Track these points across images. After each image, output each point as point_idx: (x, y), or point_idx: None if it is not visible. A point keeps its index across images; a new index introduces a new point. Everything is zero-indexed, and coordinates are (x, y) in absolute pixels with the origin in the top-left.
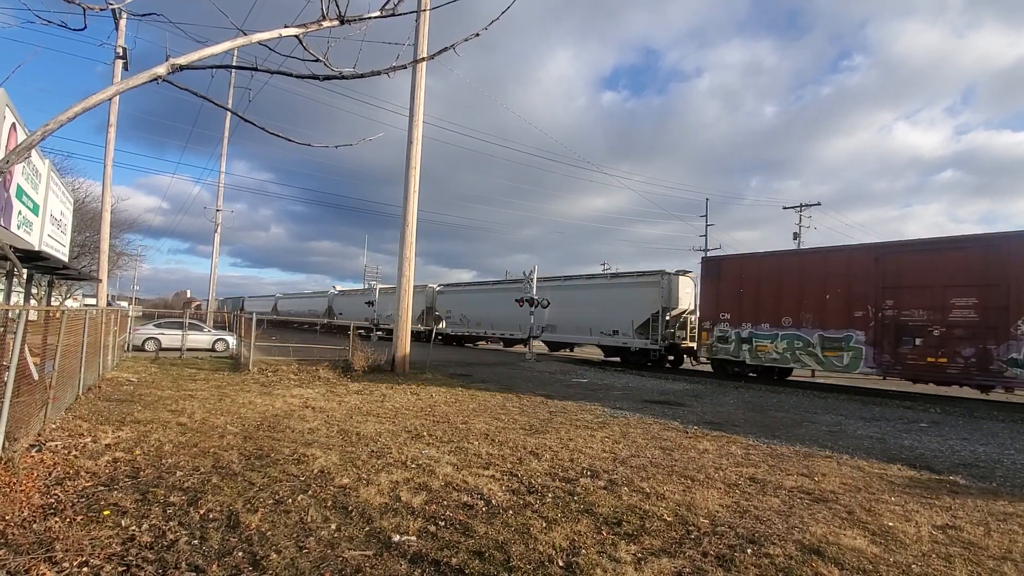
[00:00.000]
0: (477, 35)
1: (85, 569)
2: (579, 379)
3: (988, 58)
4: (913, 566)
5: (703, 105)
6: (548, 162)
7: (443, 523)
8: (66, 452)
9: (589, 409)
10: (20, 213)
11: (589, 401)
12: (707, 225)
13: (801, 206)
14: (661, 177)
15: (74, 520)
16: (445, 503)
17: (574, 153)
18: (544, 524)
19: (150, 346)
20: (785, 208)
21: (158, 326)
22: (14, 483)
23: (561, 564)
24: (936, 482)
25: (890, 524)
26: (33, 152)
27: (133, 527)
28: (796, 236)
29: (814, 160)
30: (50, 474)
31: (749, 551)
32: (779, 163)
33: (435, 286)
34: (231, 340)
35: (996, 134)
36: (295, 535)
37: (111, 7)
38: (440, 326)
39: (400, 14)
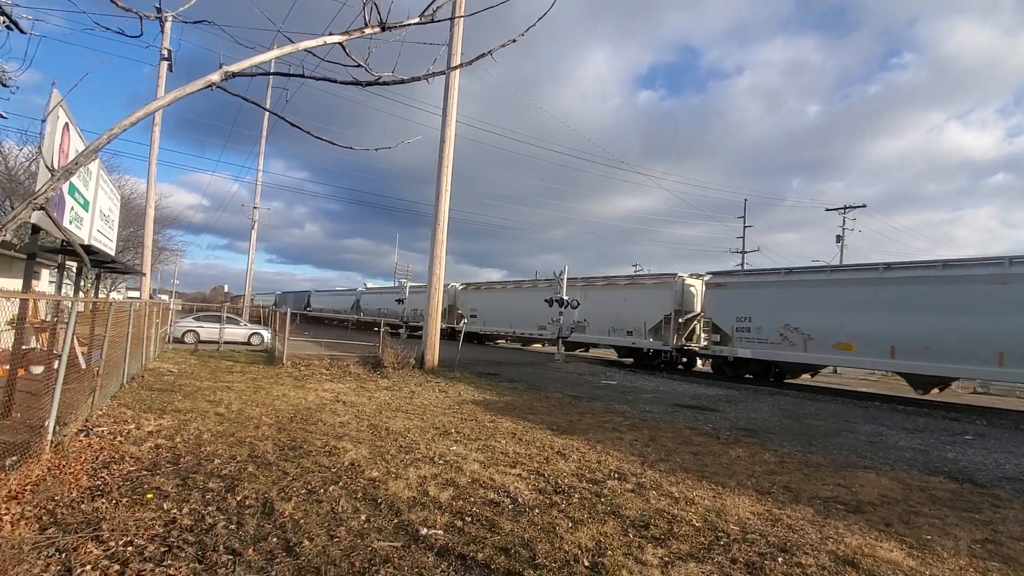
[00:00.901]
0: (514, 41)
1: (130, 548)
2: (608, 381)
3: None
4: None
5: (743, 104)
6: (582, 162)
7: (470, 519)
8: (112, 437)
9: (618, 411)
10: (72, 209)
11: (618, 403)
12: (745, 227)
13: (845, 208)
14: (697, 177)
15: (119, 502)
16: (472, 499)
17: (608, 153)
18: (570, 524)
19: (189, 338)
20: (828, 210)
21: (197, 319)
22: (64, 465)
23: (587, 564)
24: (978, 496)
25: (928, 537)
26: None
27: (174, 510)
28: (839, 239)
29: (860, 161)
30: (97, 458)
31: (780, 560)
32: (822, 164)
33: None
34: (266, 334)
35: None
36: (327, 524)
37: (164, 15)
38: (462, 324)
39: (438, 20)
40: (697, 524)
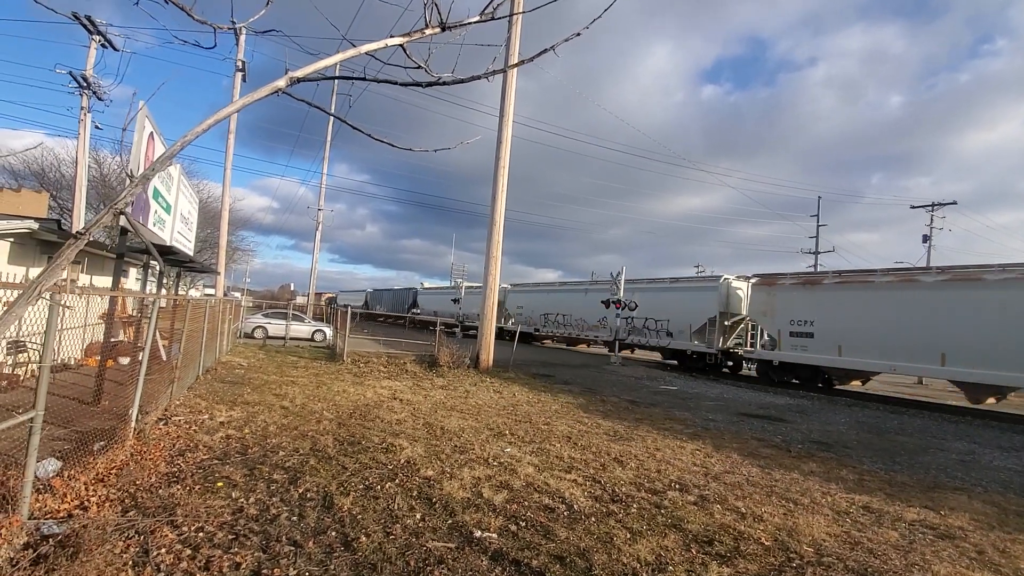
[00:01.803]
0: (578, 34)
1: (201, 535)
2: (667, 386)
3: None
4: None
5: (817, 96)
6: (641, 160)
7: (524, 523)
8: (187, 427)
9: (678, 418)
10: (155, 212)
11: (678, 410)
12: (819, 225)
13: (933, 205)
14: (765, 174)
15: (193, 489)
16: (526, 503)
17: (669, 150)
18: (628, 535)
19: (258, 334)
20: (913, 207)
21: (265, 316)
22: (144, 452)
23: None
24: None
25: None
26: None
27: (242, 500)
28: (927, 239)
29: (948, 155)
30: (174, 445)
31: None
32: (906, 158)
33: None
34: (328, 331)
35: None
36: (383, 521)
37: (236, 26)
38: (510, 323)
39: (499, 18)
40: (766, 543)
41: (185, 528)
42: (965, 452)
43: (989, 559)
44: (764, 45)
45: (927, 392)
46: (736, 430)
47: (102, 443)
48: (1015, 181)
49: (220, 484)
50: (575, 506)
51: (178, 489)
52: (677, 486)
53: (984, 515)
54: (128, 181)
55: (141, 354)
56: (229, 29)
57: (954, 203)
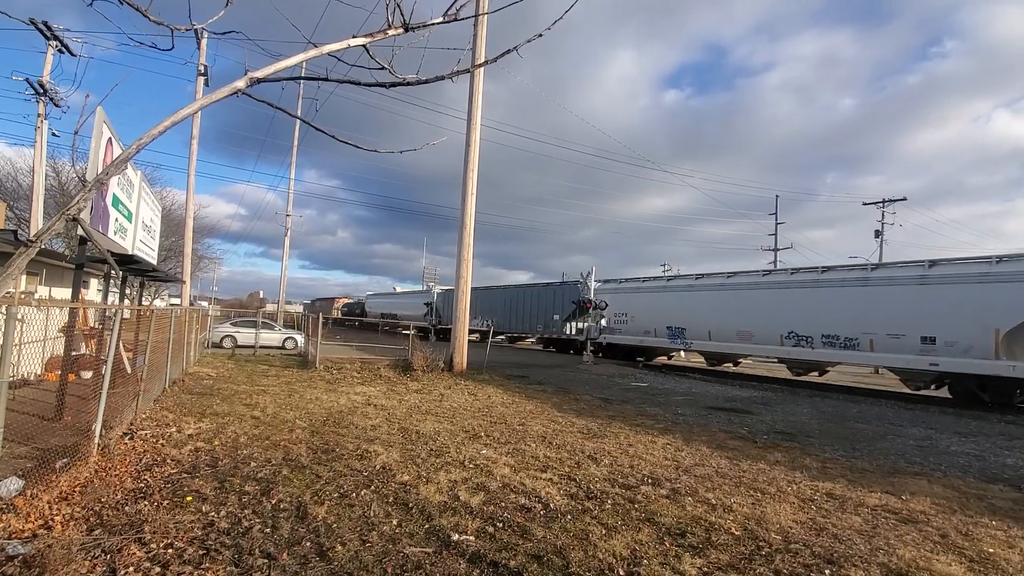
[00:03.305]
0: (540, 35)
1: (170, 551)
2: (638, 383)
3: None
4: None
5: (774, 100)
6: (608, 162)
7: (501, 524)
8: (154, 440)
9: (650, 414)
10: (116, 220)
11: (649, 406)
12: (777, 224)
13: (884, 202)
14: (726, 175)
15: (161, 504)
16: (503, 504)
17: (635, 152)
18: (604, 531)
19: (227, 343)
20: (866, 204)
21: (234, 324)
22: (110, 468)
23: (622, 573)
24: None
25: (990, 550)
26: (128, 164)
27: (212, 513)
28: (878, 234)
29: (899, 154)
30: (140, 460)
31: (827, 572)
32: (859, 158)
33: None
34: (299, 338)
35: None
36: (359, 528)
37: (195, 27)
38: (487, 326)
39: (463, 19)
40: (736, 533)
41: (153, 545)
42: (923, 438)
43: (952, 542)
44: (722, 51)
45: (884, 381)
46: (705, 423)
47: (65, 460)
48: (964, 177)
49: (189, 498)
50: (551, 505)
51: (145, 505)
52: (650, 480)
53: (945, 499)
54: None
55: (104, 367)
56: (187, 30)
57: (904, 199)
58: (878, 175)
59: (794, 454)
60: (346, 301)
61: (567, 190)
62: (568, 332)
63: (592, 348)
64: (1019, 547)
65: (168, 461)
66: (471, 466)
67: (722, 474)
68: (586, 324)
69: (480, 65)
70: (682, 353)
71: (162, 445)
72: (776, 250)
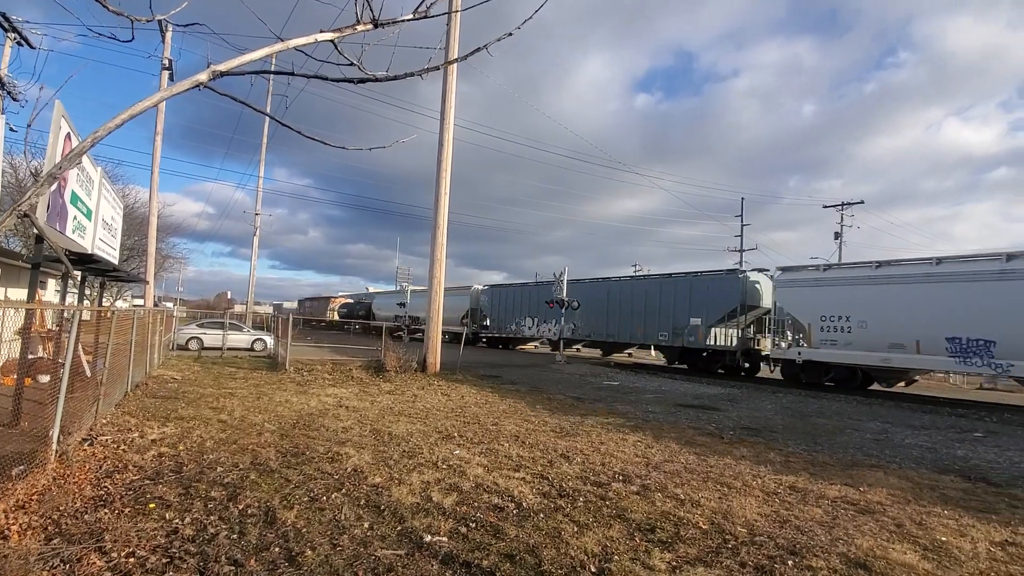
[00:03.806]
0: (510, 34)
1: (132, 560)
2: (610, 382)
3: None
4: None
5: (740, 106)
6: (581, 164)
7: (474, 524)
8: (115, 446)
9: (621, 412)
10: (75, 218)
11: (621, 404)
12: (743, 225)
13: (843, 205)
14: (695, 178)
15: (122, 512)
16: (476, 504)
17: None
18: (576, 528)
19: (193, 345)
20: (826, 207)
21: (201, 326)
22: (68, 475)
23: (593, 570)
24: (994, 495)
25: (943, 539)
26: (87, 160)
27: (176, 520)
28: (838, 236)
29: (857, 159)
30: (101, 467)
31: (790, 563)
32: (819, 163)
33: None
34: (269, 340)
35: None
36: (329, 532)
37: (156, 18)
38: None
39: (433, 16)
40: (704, 527)
41: (114, 554)
42: (879, 432)
43: (907, 532)
44: (691, 57)
45: None
46: (674, 420)
47: (22, 467)
48: (917, 182)
49: (152, 505)
50: (524, 504)
51: (106, 513)
52: (621, 477)
53: (900, 490)
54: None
55: (62, 371)
56: (148, 21)
57: (862, 203)
58: (838, 179)
59: (759, 449)
60: (344, 301)
61: (540, 191)
62: (715, 341)
63: (783, 365)
64: (970, 535)
65: (130, 467)
66: (444, 467)
67: (690, 470)
68: (558, 324)
69: (451, 62)
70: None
71: (124, 451)
72: (742, 251)
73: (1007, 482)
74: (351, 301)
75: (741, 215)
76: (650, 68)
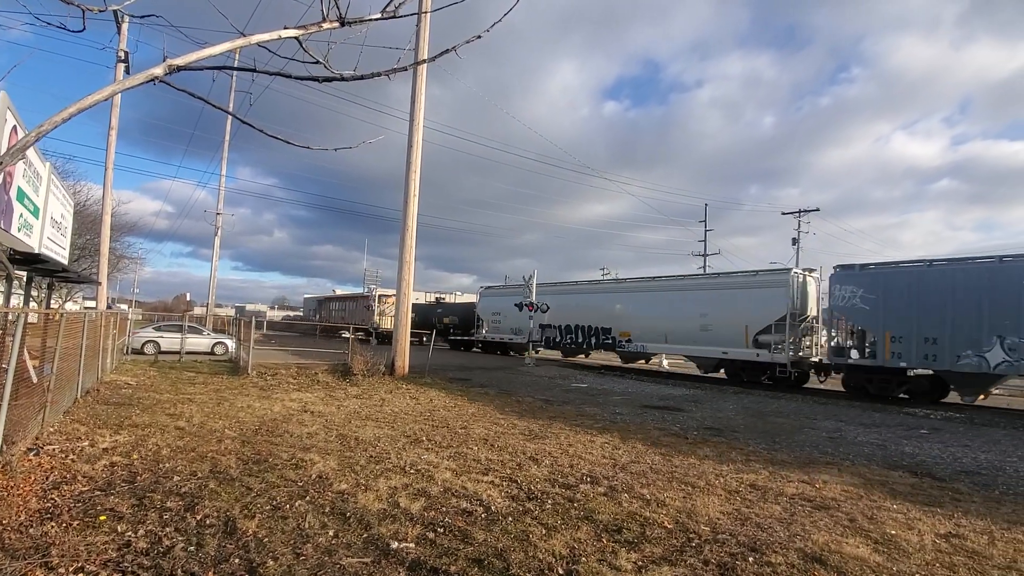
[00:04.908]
0: (479, 37)
1: (81, 575)
2: (578, 384)
3: (985, 70)
4: (917, 575)
5: (704, 115)
6: (551, 168)
7: (442, 530)
8: (63, 456)
9: (589, 414)
10: (21, 216)
11: (589, 406)
12: (706, 231)
13: (800, 212)
14: (661, 184)
15: (70, 525)
16: (444, 509)
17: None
18: (544, 531)
19: (149, 349)
20: (784, 214)
21: (157, 329)
22: (12, 487)
23: (561, 572)
24: (938, 489)
25: (893, 532)
26: (34, 155)
27: (129, 533)
28: (795, 241)
29: (813, 169)
30: (47, 478)
31: (751, 559)
32: (778, 172)
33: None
34: (230, 343)
35: (993, 144)
36: (292, 542)
37: (110, 8)
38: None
39: (401, 16)
40: (669, 526)
41: (62, 569)
42: (833, 430)
43: (860, 526)
44: (658, 67)
45: None
46: (640, 422)
47: None
48: (867, 192)
49: (103, 517)
50: (493, 507)
51: (53, 526)
52: (588, 479)
53: (852, 486)
54: None
55: (5, 377)
56: (101, 11)
57: (817, 210)
58: (795, 188)
59: (721, 448)
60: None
61: (511, 194)
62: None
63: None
64: (917, 528)
65: (79, 478)
66: (412, 472)
67: (656, 470)
68: (530, 327)
69: (420, 63)
70: None
71: (72, 461)
72: (705, 255)
73: (950, 476)
74: (428, 303)
75: (705, 221)
76: (619, 76)
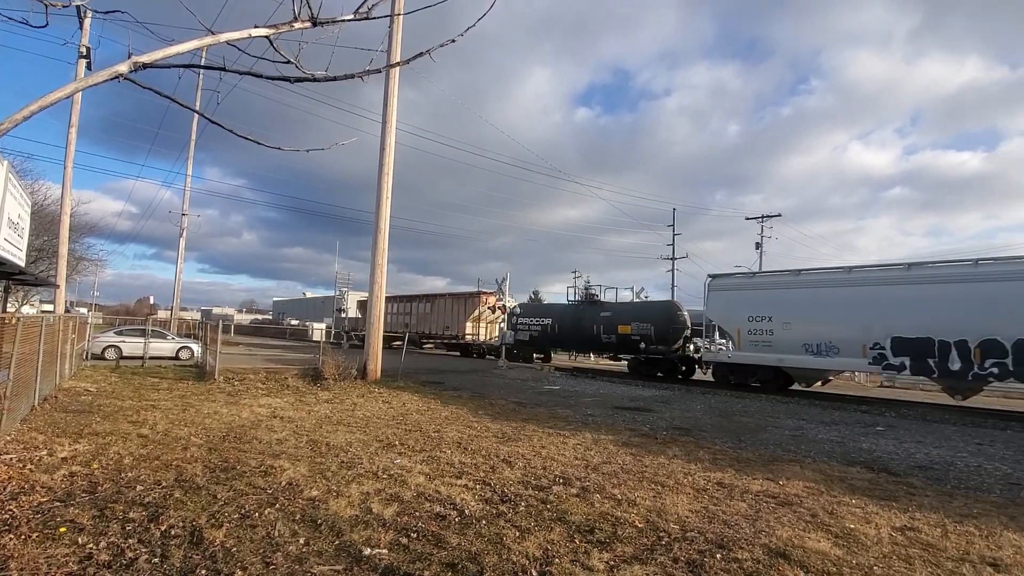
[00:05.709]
0: (453, 41)
1: None
2: (551, 386)
3: (934, 85)
4: (875, 568)
5: (672, 122)
6: (524, 172)
7: (415, 535)
8: (21, 466)
9: (561, 416)
10: None
11: (561, 408)
12: (674, 235)
13: (763, 217)
14: (631, 189)
15: (29, 537)
16: (417, 514)
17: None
18: (517, 533)
19: (110, 354)
20: (748, 219)
21: (119, 333)
22: None
23: (535, 574)
24: (894, 484)
25: (852, 526)
26: None
27: (90, 545)
28: (759, 246)
29: (775, 176)
30: (4, 488)
31: (718, 556)
32: (742, 178)
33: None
34: (196, 348)
35: (941, 154)
36: (262, 551)
37: (73, 4)
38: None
39: (374, 17)
40: (640, 525)
41: None
42: (795, 428)
43: (821, 521)
44: (628, 75)
45: None
46: (611, 422)
47: None
48: (825, 198)
49: (63, 529)
50: (466, 511)
51: (11, 539)
52: (561, 480)
53: (814, 482)
54: None
55: None
56: (64, 7)
57: (779, 216)
58: (758, 194)
59: (689, 448)
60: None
61: (485, 198)
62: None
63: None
64: (874, 522)
65: (38, 488)
66: (385, 476)
67: (627, 470)
68: (501, 331)
69: (393, 65)
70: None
71: (30, 471)
72: (673, 259)
73: (905, 471)
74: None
75: (673, 225)
76: (590, 83)
